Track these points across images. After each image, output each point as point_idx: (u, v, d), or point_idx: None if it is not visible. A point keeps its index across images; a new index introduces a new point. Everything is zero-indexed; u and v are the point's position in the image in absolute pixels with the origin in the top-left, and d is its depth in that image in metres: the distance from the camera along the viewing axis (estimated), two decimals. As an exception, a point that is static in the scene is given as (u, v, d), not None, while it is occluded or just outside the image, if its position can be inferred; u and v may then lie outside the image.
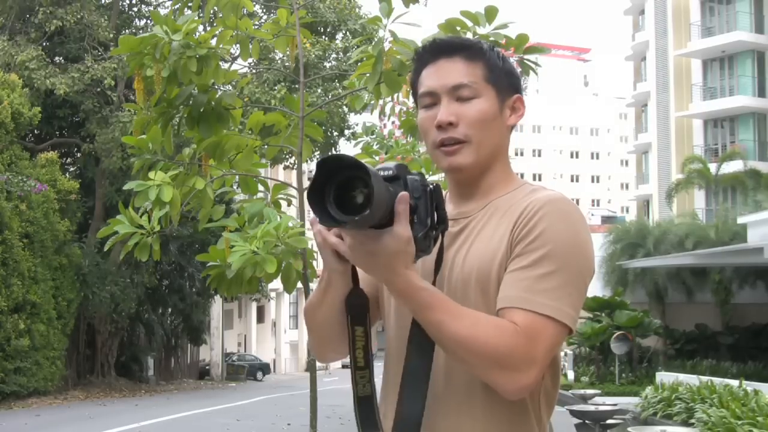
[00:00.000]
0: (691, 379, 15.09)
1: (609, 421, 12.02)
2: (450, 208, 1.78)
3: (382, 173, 1.57)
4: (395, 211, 1.52)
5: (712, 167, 31.35)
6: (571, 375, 20.87)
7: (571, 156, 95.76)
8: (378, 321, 1.86)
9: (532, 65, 4.32)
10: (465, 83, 1.75)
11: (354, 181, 1.48)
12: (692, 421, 12.48)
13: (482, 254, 1.70)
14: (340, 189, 1.48)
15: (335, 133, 24.64)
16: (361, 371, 1.69)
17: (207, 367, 37.89)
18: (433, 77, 1.77)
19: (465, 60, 1.76)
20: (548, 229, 1.64)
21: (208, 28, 5.25)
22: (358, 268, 1.66)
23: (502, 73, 1.79)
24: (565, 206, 1.69)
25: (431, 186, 1.61)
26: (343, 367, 57.73)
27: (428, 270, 1.71)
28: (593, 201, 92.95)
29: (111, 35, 22.85)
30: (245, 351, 44.62)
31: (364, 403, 1.70)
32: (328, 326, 1.74)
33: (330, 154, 1.51)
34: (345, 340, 1.72)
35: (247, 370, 38.99)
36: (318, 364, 4.99)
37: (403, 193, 1.53)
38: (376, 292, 1.82)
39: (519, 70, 4.29)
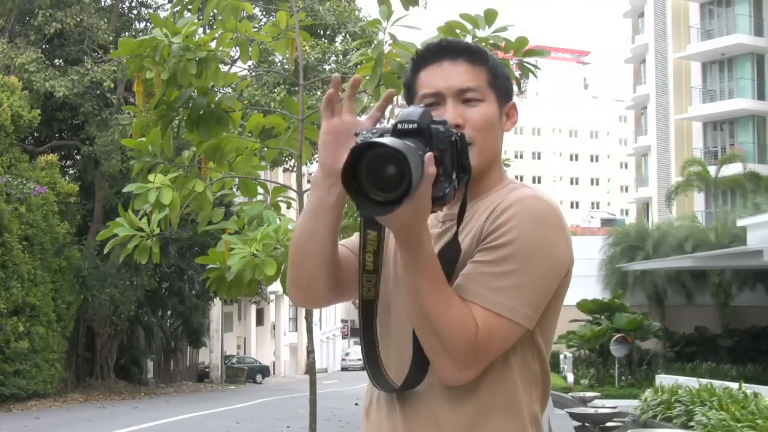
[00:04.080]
0: (691, 382, 15.07)
1: (609, 424, 12.04)
2: (444, 210, 1.78)
3: (404, 126, 1.55)
4: (424, 173, 1.48)
5: (712, 170, 31.35)
6: (570, 378, 20.86)
7: (571, 159, 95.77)
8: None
9: (532, 68, 4.32)
10: (472, 86, 1.76)
11: (381, 158, 1.44)
12: (692, 423, 12.47)
13: (464, 254, 1.70)
14: (370, 170, 1.45)
15: (335, 136, 24.61)
16: (369, 275, 1.68)
17: (206, 370, 37.86)
18: (438, 78, 1.77)
19: (469, 63, 1.77)
20: (514, 227, 1.64)
21: (208, 31, 5.26)
22: None
23: (502, 79, 1.81)
24: (536, 204, 1.68)
25: (456, 135, 1.59)
26: (343, 369, 57.74)
27: (444, 234, 1.76)
28: (593, 204, 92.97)
29: (111, 38, 22.84)
30: (245, 353, 44.58)
31: (367, 306, 1.71)
32: (315, 246, 1.74)
33: (366, 141, 1.48)
34: (326, 274, 1.75)
35: (246, 373, 38.96)
36: (317, 366, 4.97)
37: (430, 155, 1.49)
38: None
39: (518, 72, 4.30)
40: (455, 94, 1.75)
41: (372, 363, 1.73)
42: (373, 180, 1.45)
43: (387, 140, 1.45)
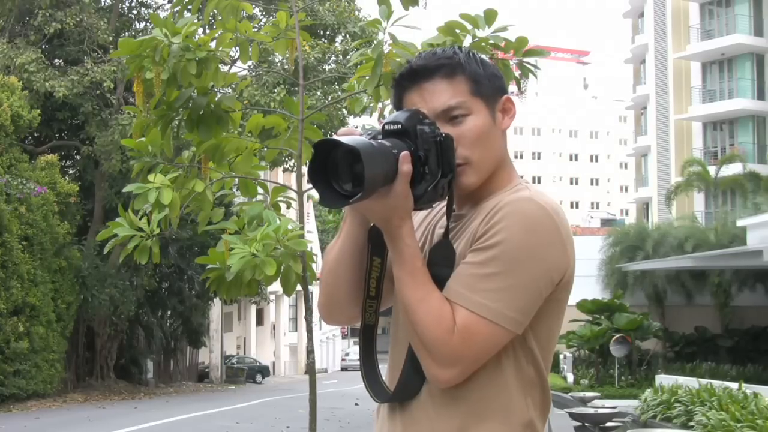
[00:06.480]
0: (691, 382, 15.07)
1: (608, 424, 12.04)
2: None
3: (390, 127, 1.63)
4: (398, 170, 1.57)
5: (712, 170, 31.37)
6: (570, 378, 20.87)
7: (571, 159, 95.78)
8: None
9: (532, 68, 4.32)
10: (454, 104, 1.70)
11: (347, 154, 1.53)
12: (692, 423, 12.48)
13: (459, 255, 1.70)
14: (342, 165, 1.55)
15: (335, 136, 24.61)
16: (371, 300, 1.76)
17: (206, 370, 37.86)
18: (420, 104, 1.71)
19: (446, 78, 1.71)
20: (503, 228, 1.62)
21: (208, 31, 5.26)
22: None
23: (486, 80, 1.73)
24: (528, 206, 1.64)
25: (441, 136, 1.64)
26: (342, 369, 57.75)
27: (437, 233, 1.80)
28: (593, 204, 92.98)
29: (110, 38, 22.85)
30: (244, 354, 44.59)
31: (368, 331, 1.79)
32: (342, 272, 1.78)
33: (325, 138, 1.56)
34: (354, 296, 1.78)
35: (246, 373, 38.98)
36: (317, 366, 4.98)
37: (405, 154, 1.58)
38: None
39: (518, 72, 4.29)
40: (439, 116, 1.70)
41: (372, 381, 1.78)
42: (344, 175, 1.54)
43: (347, 138, 1.53)
